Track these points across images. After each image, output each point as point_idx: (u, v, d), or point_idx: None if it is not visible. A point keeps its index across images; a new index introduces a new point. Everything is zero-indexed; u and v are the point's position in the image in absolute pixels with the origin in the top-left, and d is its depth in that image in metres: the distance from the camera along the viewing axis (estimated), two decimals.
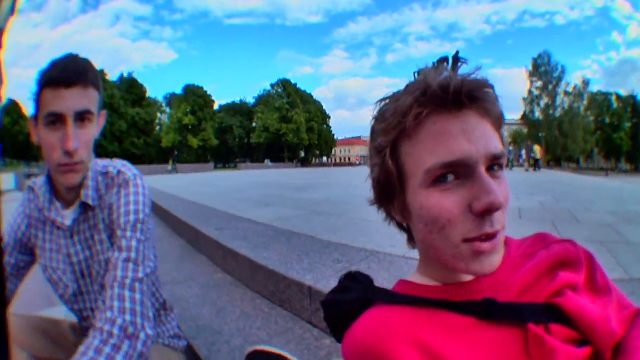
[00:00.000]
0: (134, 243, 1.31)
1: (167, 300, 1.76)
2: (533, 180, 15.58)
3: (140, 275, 1.27)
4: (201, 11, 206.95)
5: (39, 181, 1.51)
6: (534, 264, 0.83)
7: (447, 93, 0.71)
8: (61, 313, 1.78)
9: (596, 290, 0.83)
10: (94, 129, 1.36)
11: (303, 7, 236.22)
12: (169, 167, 46.37)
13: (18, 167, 53.47)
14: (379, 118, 0.82)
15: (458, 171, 0.72)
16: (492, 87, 0.76)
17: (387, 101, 0.82)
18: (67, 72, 1.25)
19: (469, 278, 0.83)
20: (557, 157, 79.35)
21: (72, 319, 1.72)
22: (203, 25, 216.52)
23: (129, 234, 1.32)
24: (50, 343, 1.54)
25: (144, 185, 1.45)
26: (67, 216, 1.44)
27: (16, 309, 1.54)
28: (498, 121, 0.78)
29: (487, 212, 0.70)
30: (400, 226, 0.93)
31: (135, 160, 70.40)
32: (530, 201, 8.13)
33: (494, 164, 0.74)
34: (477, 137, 0.72)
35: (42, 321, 1.59)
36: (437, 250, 0.78)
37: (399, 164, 0.79)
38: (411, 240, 0.93)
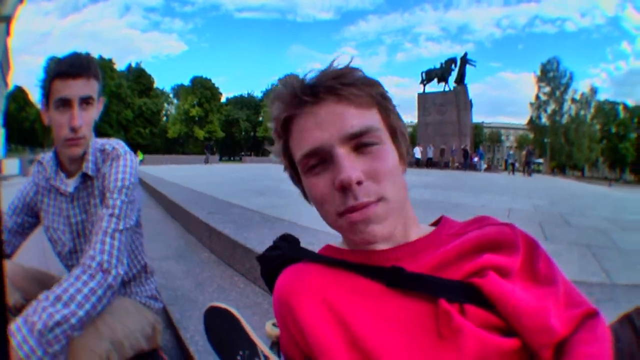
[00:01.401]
0: (118, 202, 1.60)
1: (147, 264, 2.01)
2: (533, 186, 15.46)
3: (120, 227, 1.57)
4: (212, 4, 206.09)
5: (47, 156, 1.82)
6: (459, 242, 0.84)
7: (295, 96, 0.82)
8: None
9: (535, 280, 0.81)
10: (94, 112, 1.68)
11: (314, 3, 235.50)
12: (138, 158, 42.60)
13: (23, 153, 53.56)
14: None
15: (321, 157, 0.80)
16: (347, 73, 0.82)
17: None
18: (74, 66, 1.56)
19: (385, 247, 0.87)
20: (562, 165, 78.73)
21: (65, 275, 1.98)
22: (214, 18, 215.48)
23: (115, 195, 1.61)
24: (42, 290, 1.78)
25: (132, 159, 1.75)
26: (70, 184, 1.73)
27: None
28: (364, 101, 0.81)
29: (343, 188, 0.76)
30: None
31: (140, 149, 70.26)
32: (524, 204, 8.12)
33: (361, 141, 0.79)
34: (329, 124, 0.79)
35: (39, 272, 1.86)
36: (329, 225, 0.86)
37: (291, 159, 0.90)
38: None
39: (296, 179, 0.93)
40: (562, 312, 0.76)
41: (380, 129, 0.82)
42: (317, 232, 4.00)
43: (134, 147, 71.19)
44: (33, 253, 2.25)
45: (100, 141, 1.78)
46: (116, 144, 1.79)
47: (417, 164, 32.70)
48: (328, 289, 0.83)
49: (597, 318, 0.77)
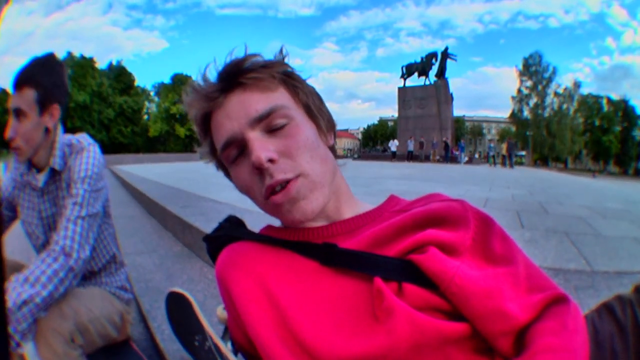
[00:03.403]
0: (81, 191, 1.68)
1: (117, 255, 2.05)
2: (513, 177, 15.41)
3: (83, 214, 1.65)
4: (194, 0, 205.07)
5: None
6: (400, 218, 0.80)
7: (203, 95, 0.83)
8: None
9: (488, 258, 0.75)
10: (30, 124, 1.69)
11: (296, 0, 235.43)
12: None
13: (7, 156, 53.14)
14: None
15: (238, 146, 0.81)
16: (245, 60, 0.83)
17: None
18: (14, 79, 1.64)
19: (319, 224, 0.86)
20: (545, 157, 79.36)
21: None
22: (195, 14, 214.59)
23: (79, 184, 1.69)
24: None
25: (96, 151, 1.83)
26: (40, 179, 1.80)
27: None
28: (267, 83, 0.82)
29: (259, 169, 0.77)
30: None
31: (122, 149, 69.92)
32: (502, 193, 8.03)
33: (270, 122, 0.79)
34: (235, 113, 0.80)
35: (16, 263, 1.91)
36: (264, 211, 0.87)
37: (220, 158, 0.90)
38: None
39: (229, 177, 0.95)
40: (522, 295, 0.70)
41: (289, 107, 0.82)
42: None
43: (116, 146, 70.85)
44: (17, 246, 2.40)
45: (68, 137, 1.85)
46: (82, 138, 1.87)
47: (395, 157, 33.36)
48: (263, 266, 0.82)
49: (566, 304, 0.70)
